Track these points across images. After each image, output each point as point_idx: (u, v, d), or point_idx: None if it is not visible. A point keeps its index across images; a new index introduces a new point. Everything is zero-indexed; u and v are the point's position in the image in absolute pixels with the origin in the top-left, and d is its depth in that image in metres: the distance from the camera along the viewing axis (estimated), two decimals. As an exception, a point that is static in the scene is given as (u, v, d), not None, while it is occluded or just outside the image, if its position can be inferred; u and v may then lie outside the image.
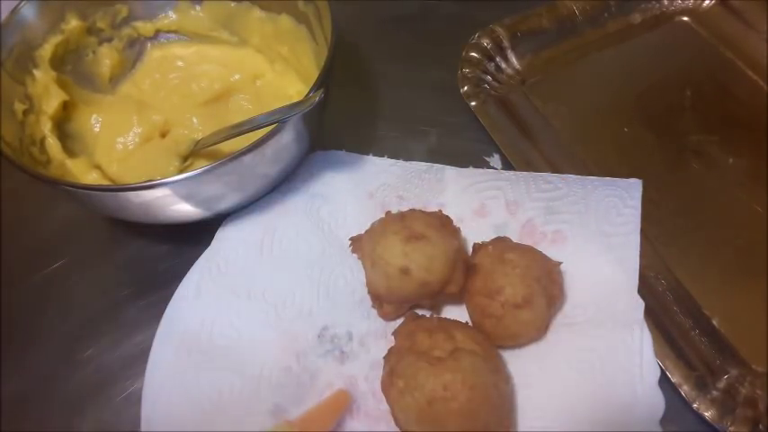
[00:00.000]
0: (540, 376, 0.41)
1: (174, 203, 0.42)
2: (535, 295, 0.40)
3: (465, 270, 0.42)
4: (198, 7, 0.57)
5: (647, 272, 0.45)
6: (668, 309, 0.44)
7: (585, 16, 0.61)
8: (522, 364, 0.41)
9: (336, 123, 0.55)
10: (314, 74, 0.45)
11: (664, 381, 0.40)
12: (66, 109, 0.52)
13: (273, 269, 0.47)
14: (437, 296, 0.42)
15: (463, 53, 0.58)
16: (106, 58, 0.55)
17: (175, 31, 0.58)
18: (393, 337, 0.41)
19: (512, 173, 0.50)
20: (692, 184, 0.51)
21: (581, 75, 0.58)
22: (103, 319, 0.47)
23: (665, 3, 0.62)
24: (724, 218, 0.49)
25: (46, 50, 0.50)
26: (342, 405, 0.40)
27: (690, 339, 0.43)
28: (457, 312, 0.44)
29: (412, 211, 0.45)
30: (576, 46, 0.60)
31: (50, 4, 0.50)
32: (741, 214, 0.49)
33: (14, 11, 0.49)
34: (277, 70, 0.56)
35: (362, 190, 0.51)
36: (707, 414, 0.39)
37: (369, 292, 0.45)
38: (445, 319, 0.42)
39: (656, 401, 0.39)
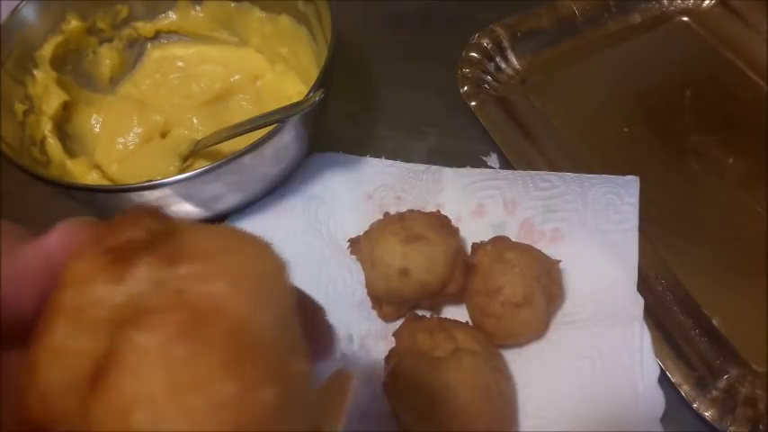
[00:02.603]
0: (541, 375, 0.41)
1: (174, 203, 0.42)
2: (535, 294, 0.40)
3: (464, 270, 0.42)
4: (198, 7, 0.57)
5: (647, 271, 0.45)
6: (668, 308, 0.44)
7: (585, 16, 0.60)
8: (522, 363, 0.41)
9: (336, 123, 0.55)
10: (314, 74, 0.45)
11: (664, 381, 0.40)
12: (67, 109, 0.52)
13: (272, 271, 0.47)
14: (437, 297, 0.42)
15: (463, 53, 0.58)
16: (106, 59, 0.55)
17: (175, 32, 0.58)
18: (393, 339, 0.41)
19: (509, 172, 0.50)
20: (692, 184, 0.51)
21: (581, 75, 0.58)
22: (104, 320, 0.47)
23: (665, 3, 0.62)
24: (724, 218, 0.49)
25: (46, 51, 0.50)
26: (348, 386, 0.36)
27: (690, 339, 0.42)
28: (457, 312, 0.44)
29: (410, 211, 0.45)
30: (576, 46, 0.60)
31: (51, 4, 0.50)
32: (741, 214, 0.49)
33: (14, 11, 0.49)
34: (277, 70, 0.56)
35: (360, 191, 0.50)
36: (707, 414, 0.39)
37: (368, 294, 0.45)
38: (445, 319, 0.42)
39: (656, 399, 0.39)
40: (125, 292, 0.15)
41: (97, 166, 0.51)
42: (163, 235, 0.16)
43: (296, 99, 0.45)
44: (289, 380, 0.16)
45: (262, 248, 0.18)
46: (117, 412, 0.14)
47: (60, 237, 0.18)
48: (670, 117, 0.55)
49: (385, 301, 0.43)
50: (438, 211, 0.46)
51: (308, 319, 0.20)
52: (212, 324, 0.15)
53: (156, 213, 0.17)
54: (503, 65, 0.59)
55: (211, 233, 0.17)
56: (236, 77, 0.56)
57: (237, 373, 0.14)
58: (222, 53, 0.58)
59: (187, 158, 0.52)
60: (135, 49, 0.57)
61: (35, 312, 0.16)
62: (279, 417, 0.15)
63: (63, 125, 0.52)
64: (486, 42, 0.59)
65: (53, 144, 0.50)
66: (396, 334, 0.41)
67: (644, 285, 0.43)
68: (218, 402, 0.14)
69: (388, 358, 0.40)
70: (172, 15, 0.57)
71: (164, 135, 0.53)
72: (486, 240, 0.44)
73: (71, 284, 0.16)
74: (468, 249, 0.45)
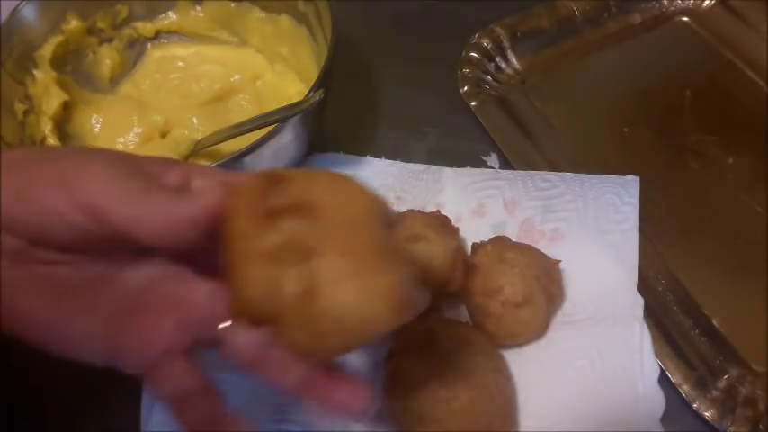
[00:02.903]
0: (541, 375, 0.41)
1: (174, 204, 0.42)
2: (535, 294, 0.40)
3: (464, 270, 0.42)
4: (198, 7, 0.57)
5: (647, 272, 0.45)
6: (668, 309, 0.44)
7: (585, 16, 0.60)
8: (522, 362, 0.41)
9: (336, 123, 0.55)
10: (314, 74, 0.45)
11: (664, 381, 0.40)
12: (67, 109, 0.52)
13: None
14: (437, 297, 0.42)
15: (463, 53, 0.58)
16: (106, 59, 0.55)
17: (175, 32, 0.58)
18: (393, 339, 0.41)
19: (509, 172, 0.50)
20: (692, 184, 0.51)
21: (581, 75, 0.58)
22: (103, 320, 0.47)
23: (665, 3, 0.62)
24: (724, 218, 0.49)
25: (46, 51, 0.50)
26: None
27: (690, 339, 0.42)
28: (457, 312, 0.44)
29: (410, 211, 0.45)
30: (576, 46, 0.60)
31: (51, 4, 0.50)
32: (741, 214, 0.49)
33: (15, 11, 0.49)
34: (277, 70, 0.56)
35: (361, 191, 0.50)
36: (707, 414, 0.39)
37: (369, 293, 0.45)
38: (446, 318, 0.42)
39: (656, 399, 0.39)
40: (281, 237, 0.24)
41: (97, 166, 0.51)
42: (296, 195, 0.25)
43: (296, 99, 0.45)
44: (402, 263, 0.25)
45: (361, 188, 0.26)
46: (317, 316, 0.23)
47: (216, 197, 0.25)
48: (670, 117, 0.55)
49: (385, 300, 0.43)
50: (438, 211, 0.46)
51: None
52: (358, 247, 0.24)
53: (285, 176, 0.26)
54: (503, 65, 0.59)
55: (328, 184, 0.25)
56: (236, 77, 0.56)
57: (383, 271, 0.24)
58: (222, 53, 0.58)
59: (187, 158, 0.52)
60: (135, 49, 0.57)
61: (202, 242, 0.25)
62: (409, 287, 0.25)
63: (63, 125, 0.52)
64: (486, 42, 0.59)
65: (53, 144, 0.50)
66: (396, 334, 0.41)
67: (644, 285, 0.43)
68: (381, 290, 0.24)
69: (388, 358, 0.40)
70: (172, 15, 0.57)
71: (164, 135, 0.53)
72: (486, 240, 0.44)
73: (243, 237, 0.24)
74: (468, 249, 0.45)
